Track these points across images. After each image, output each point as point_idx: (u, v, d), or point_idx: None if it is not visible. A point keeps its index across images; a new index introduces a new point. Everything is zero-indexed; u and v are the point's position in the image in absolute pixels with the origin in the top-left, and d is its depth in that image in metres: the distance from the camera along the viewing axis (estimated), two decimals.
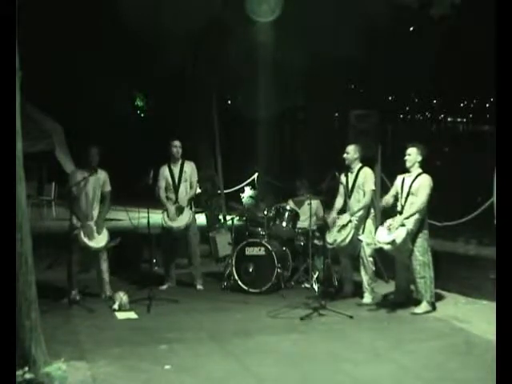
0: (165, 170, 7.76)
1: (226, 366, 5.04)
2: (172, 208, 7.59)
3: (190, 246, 7.80)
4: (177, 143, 7.74)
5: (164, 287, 7.75)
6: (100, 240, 7.04)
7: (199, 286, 7.82)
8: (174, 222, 7.53)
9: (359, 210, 7.06)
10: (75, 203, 7.13)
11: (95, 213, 7.17)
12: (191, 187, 7.77)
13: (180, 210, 7.57)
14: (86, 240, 6.93)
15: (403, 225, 6.51)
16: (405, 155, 6.80)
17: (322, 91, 13.44)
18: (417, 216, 6.58)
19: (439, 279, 6.97)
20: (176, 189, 7.69)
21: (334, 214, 7.20)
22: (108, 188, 7.29)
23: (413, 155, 6.75)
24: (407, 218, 6.54)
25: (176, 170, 7.74)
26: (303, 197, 8.26)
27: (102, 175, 7.26)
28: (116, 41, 15.33)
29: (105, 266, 7.19)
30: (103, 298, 7.09)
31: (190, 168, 7.79)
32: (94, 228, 7.05)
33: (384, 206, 6.99)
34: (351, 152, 7.22)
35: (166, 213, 7.59)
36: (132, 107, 25.31)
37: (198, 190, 8.22)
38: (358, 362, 5.16)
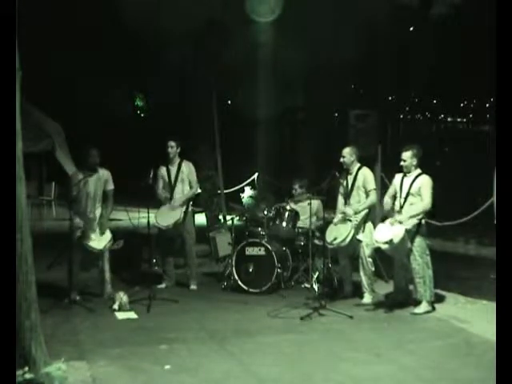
0: (162, 170, 7.78)
1: (225, 366, 5.04)
2: (164, 207, 7.60)
3: (185, 245, 7.81)
4: (171, 143, 7.74)
5: (161, 286, 7.76)
6: (101, 241, 7.03)
7: (192, 286, 7.82)
8: (163, 221, 7.53)
9: (364, 209, 7.06)
10: (77, 204, 7.13)
11: (98, 212, 7.17)
12: (191, 187, 7.77)
13: (171, 210, 7.57)
14: (87, 241, 6.93)
15: (400, 222, 6.52)
16: (401, 160, 6.80)
17: (321, 91, 13.44)
18: (416, 216, 6.58)
19: (439, 279, 6.98)
20: (172, 188, 7.69)
21: (349, 209, 7.12)
22: (110, 186, 7.27)
23: (408, 160, 6.73)
24: (412, 217, 6.54)
25: (173, 170, 7.74)
26: (303, 196, 8.25)
27: (105, 174, 7.25)
28: (116, 41, 15.34)
29: (107, 265, 7.19)
30: (104, 297, 7.09)
31: (187, 168, 7.78)
32: (97, 229, 7.04)
33: (385, 209, 6.97)
34: (347, 155, 7.20)
35: (158, 211, 7.61)
36: (132, 107, 25.30)
37: (198, 190, 8.21)
38: (358, 362, 5.15)
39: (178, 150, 7.79)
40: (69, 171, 13.03)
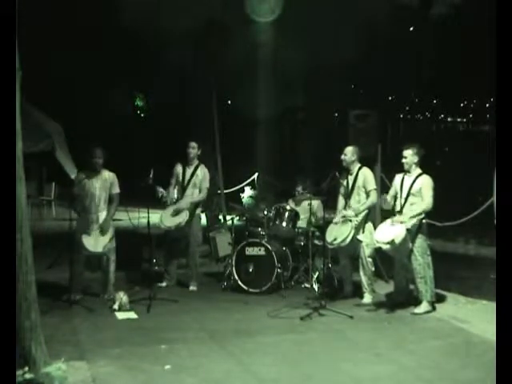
0: (178, 168, 7.79)
1: (225, 366, 5.03)
2: (169, 208, 7.61)
3: (189, 248, 7.81)
4: (193, 144, 7.74)
5: (162, 284, 7.77)
6: (99, 244, 6.97)
7: (192, 287, 7.82)
8: (166, 222, 7.54)
9: (365, 210, 7.06)
10: (79, 204, 7.11)
11: (102, 215, 7.11)
12: (200, 192, 7.76)
13: (176, 211, 7.58)
14: (85, 243, 6.91)
15: (402, 222, 6.52)
16: (402, 157, 6.81)
17: (321, 91, 13.46)
18: (417, 216, 6.58)
19: (439, 279, 6.98)
20: (183, 190, 7.70)
21: (350, 212, 7.09)
22: (116, 190, 7.23)
23: (409, 157, 6.75)
24: (413, 217, 6.54)
25: (188, 172, 7.74)
26: (303, 196, 8.25)
27: (110, 177, 7.21)
28: (116, 41, 15.34)
29: (112, 267, 7.18)
30: (106, 298, 7.08)
31: (202, 173, 7.75)
32: (98, 231, 7.03)
33: (383, 208, 7.00)
34: (349, 154, 7.21)
35: (164, 211, 7.61)
36: (132, 107, 25.30)
37: None
38: (358, 362, 5.15)
39: (198, 152, 7.78)
40: (69, 171, 13.07)
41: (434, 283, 6.68)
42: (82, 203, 7.11)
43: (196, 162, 7.79)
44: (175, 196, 7.72)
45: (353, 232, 6.95)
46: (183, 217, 7.54)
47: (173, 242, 7.79)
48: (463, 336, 5.91)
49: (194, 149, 7.73)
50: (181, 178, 7.73)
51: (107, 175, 7.21)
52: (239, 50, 10.18)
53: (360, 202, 7.11)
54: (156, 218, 7.53)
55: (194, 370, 4.94)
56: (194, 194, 7.72)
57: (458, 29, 15.89)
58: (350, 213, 7.02)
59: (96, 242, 6.95)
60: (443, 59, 19.43)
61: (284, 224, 7.98)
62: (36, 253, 4.66)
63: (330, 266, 7.77)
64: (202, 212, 10.46)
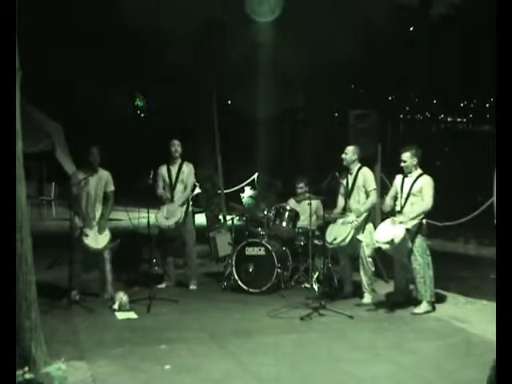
0: (163, 169, 7.80)
1: (225, 366, 5.03)
2: (164, 207, 7.62)
3: (186, 246, 7.82)
4: (175, 142, 7.78)
5: (161, 286, 7.78)
6: (100, 241, 7.03)
7: (192, 287, 7.83)
8: (164, 221, 7.56)
9: (366, 211, 7.05)
10: (77, 203, 7.13)
11: (98, 213, 7.17)
12: (186, 188, 7.78)
13: (171, 210, 7.58)
14: (86, 241, 6.93)
15: (401, 222, 6.52)
16: (401, 161, 6.80)
17: (321, 91, 13.45)
18: (417, 217, 6.58)
19: (439, 279, 6.98)
20: (172, 188, 7.71)
21: (351, 216, 7.07)
22: (111, 188, 7.28)
23: (408, 160, 6.75)
24: (413, 218, 6.53)
25: (174, 170, 7.76)
26: (303, 196, 8.25)
27: (105, 175, 7.26)
28: (116, 41, 15.35)
29: (108, 266, 7.19)
30: (105, 298, 7.08)
31: (187, 169, 7.79)
32: (96, 228, 7.05)
33: (385, 210, 7.00)
34: (349, 153, 7.21)
35: (158, 211, 7.62)
36: (132, 107, 25.33)
37: (198, 190, 8.22)
38: (358, 362, 5.15)
39: (181, 150, 7.81)
40: (69, 171, 13.05)
41: (433, 283, 6.67)
42: (79, 202, 7.13)
43: (179, 159, 7.82)
44: (167, 196, 7.73)
45: (353, 232, 6.95)
46: (179, 214, 7.58)
47: (168, 241, 7.81)
48: (463, 336, 5.90)
49: (179, 146, 7.78)
50: (167, 177, 7.76)
51: (102, 173, 7.25)
52: (239, 49, 10.18)
53: (360, 201, 7.11)
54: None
55: (194, 369, 4.94)
56: (183, 191, 7.75)
57: (458, 29, 15.89)
58: (351, 218, 7.01)
59: (96, 240, 7.01)
60: (443, 59, 19.42)
61: (284, 224, 7.98)
62: (36, 253, 4.66)
63: (330, 265, 7.77)
64: (202, 212, 10.50)
